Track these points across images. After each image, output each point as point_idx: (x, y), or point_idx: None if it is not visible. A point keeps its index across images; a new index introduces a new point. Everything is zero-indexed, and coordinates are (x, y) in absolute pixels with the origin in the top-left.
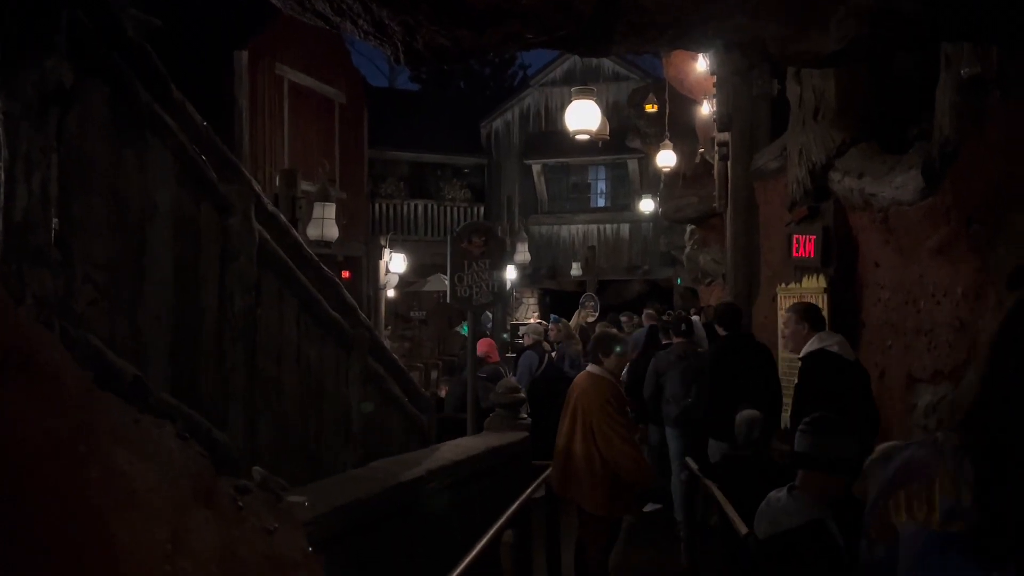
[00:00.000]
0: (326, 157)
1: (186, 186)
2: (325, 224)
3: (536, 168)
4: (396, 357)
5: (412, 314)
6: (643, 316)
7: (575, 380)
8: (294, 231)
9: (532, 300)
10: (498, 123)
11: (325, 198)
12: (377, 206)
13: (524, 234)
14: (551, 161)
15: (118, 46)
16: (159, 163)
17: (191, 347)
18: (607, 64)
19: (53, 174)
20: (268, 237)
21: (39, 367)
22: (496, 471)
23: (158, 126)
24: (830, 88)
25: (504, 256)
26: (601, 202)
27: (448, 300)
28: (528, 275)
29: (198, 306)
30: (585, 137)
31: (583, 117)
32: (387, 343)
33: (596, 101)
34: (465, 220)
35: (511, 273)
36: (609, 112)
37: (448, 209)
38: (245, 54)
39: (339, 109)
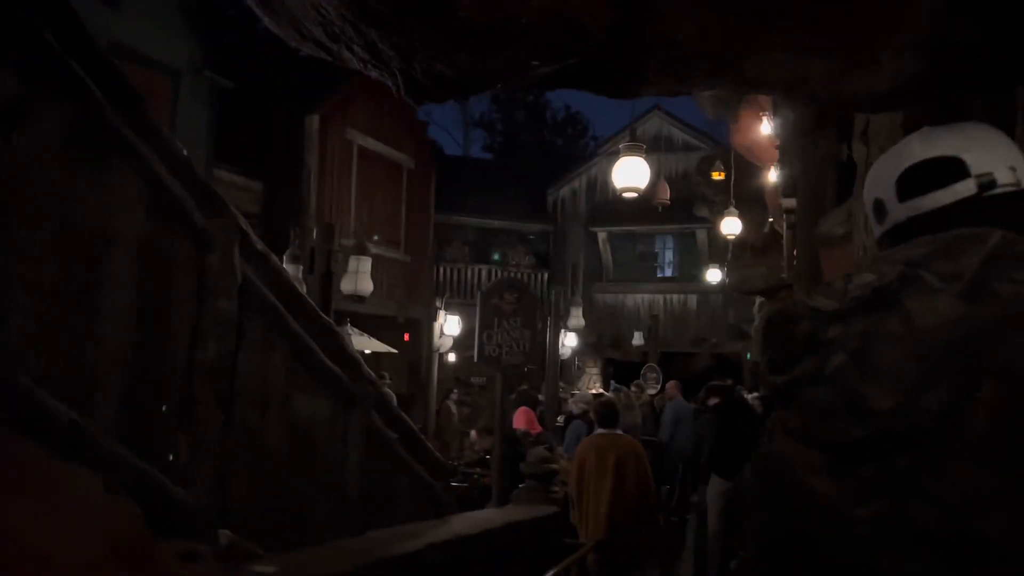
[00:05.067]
0: (392, 220)
1: (158, 217)
2: (359, 278)
3: (602, 236)
4: (407, 417)
5: (472, 380)
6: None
7: (601, 440)
8: (287, 274)
9: (595, 370)
10: (565, 191)
11: (361, 251)
12: (441, 270)
13: (579, 299)
14: (617, 229)
15: (83, 61)
16: (125, 190)
17: (153, 392)
18: (677, 134)
19: None
20: (255, 278)
21: None
22: (516, 548)
23: (126, 151)
24: None
25: (537, 315)
26: (668, 272)
27: (476, 359)
28: (591, 344)
29: (165, 347)
30: (633, 195)
31: (631, 175)
32: (452, 408)
33: (646, 159)
34: (530, 286)
35: (572, 341)
36: (679, 182)
37: (512, 274)
38: (316, 118)
39: (407, 174)
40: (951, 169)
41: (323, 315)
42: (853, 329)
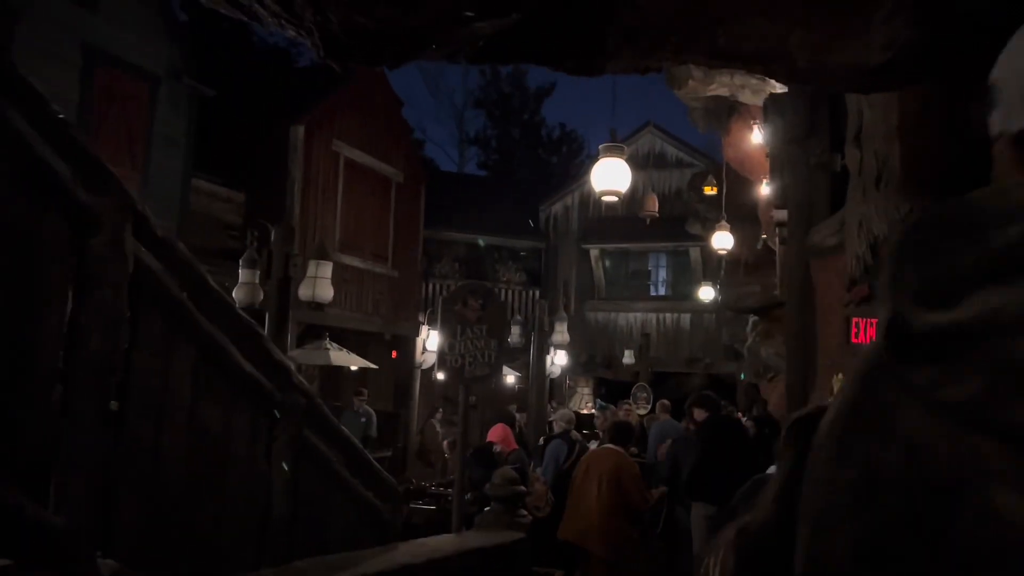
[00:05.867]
0: (380, 234)
1: (20, 190)
2: (319, 284)
3: (594, 253)
4: (349, 433)
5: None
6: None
7: (600, 453)
8: (199, 266)
9: (587, 389)
10: (557, 207)
11: (322, 256)
12: (430, 286)
13: (563, 314)
14: (610, 246)
15: None
16: None
17: (13, 396)
18: (671, 151)
19: None
20: (153, 267)
21: None
22: None
23: None
24: (894, 151)
25: (505, 324)
26: (661, 290)
27: (436, 370)
28: (583, 363)
29: (29, 343)
30: (613, 199)
31: (611, 177)
32: (437, 426)
33: (626, 160)
34: (520, 303)
35: (562, 359)
36: (672, 199)
37: (503, 291)
38: (301, 129)
39: (396, 188)
40: None
41: (244, 314)
42: None
